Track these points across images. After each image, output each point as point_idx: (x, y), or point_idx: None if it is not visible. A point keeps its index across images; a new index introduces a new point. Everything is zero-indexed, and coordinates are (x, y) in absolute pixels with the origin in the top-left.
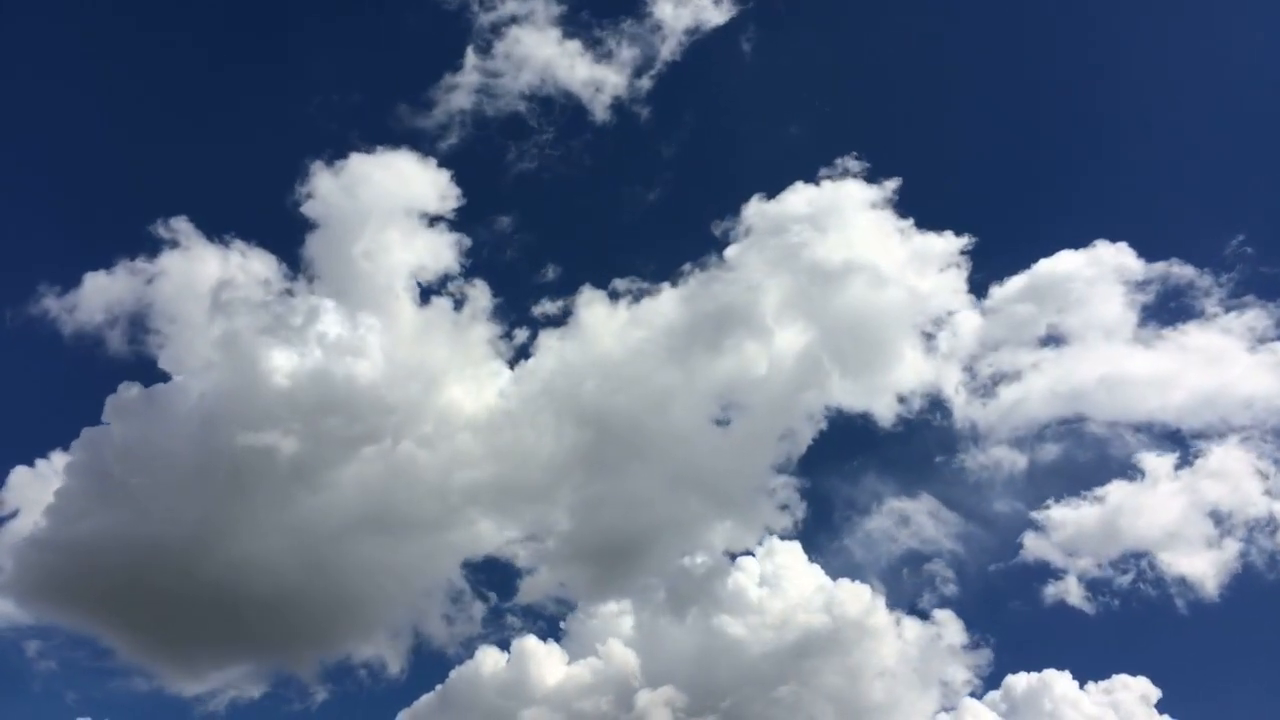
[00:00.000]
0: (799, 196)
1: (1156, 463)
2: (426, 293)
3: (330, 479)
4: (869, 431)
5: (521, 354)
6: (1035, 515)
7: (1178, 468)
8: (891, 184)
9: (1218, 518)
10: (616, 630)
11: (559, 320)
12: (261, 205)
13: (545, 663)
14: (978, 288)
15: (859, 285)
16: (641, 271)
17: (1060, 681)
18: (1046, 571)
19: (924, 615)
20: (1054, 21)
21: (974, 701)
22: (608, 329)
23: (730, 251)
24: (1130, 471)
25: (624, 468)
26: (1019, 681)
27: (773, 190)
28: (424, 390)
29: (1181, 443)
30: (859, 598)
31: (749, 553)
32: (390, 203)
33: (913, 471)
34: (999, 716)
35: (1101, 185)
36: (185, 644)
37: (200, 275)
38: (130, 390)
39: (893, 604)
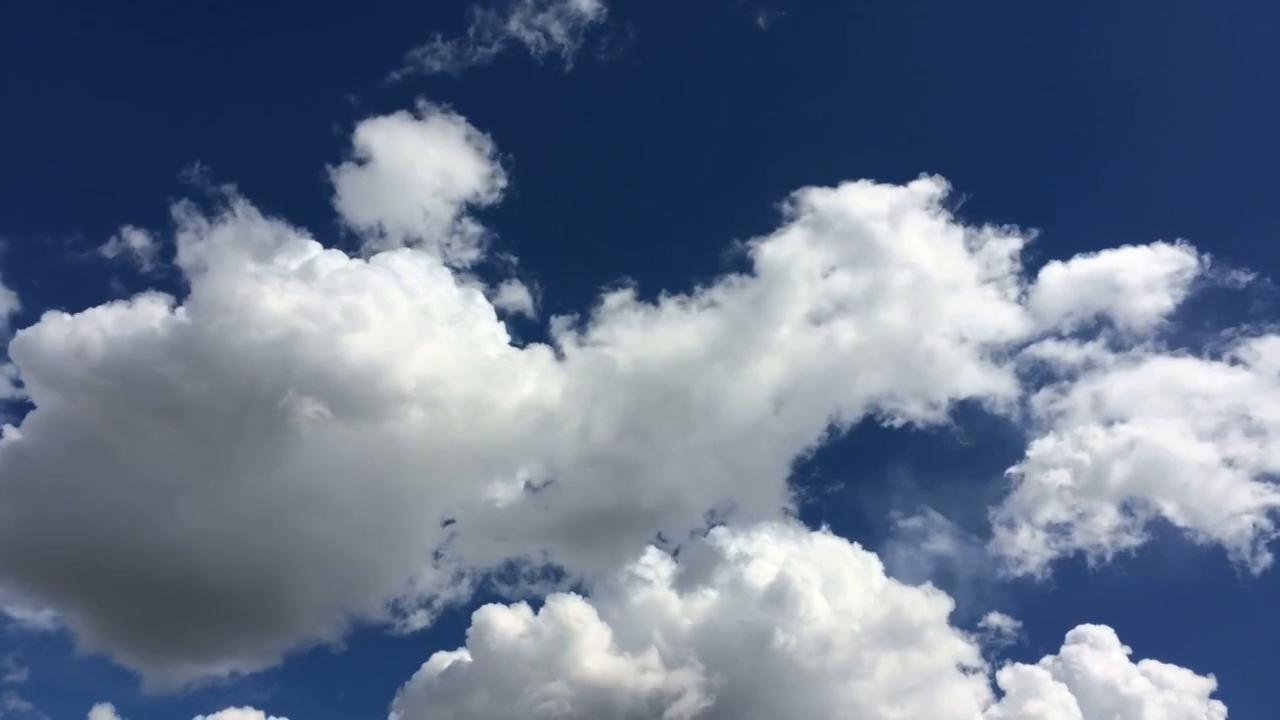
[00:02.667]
0: (853, 192)
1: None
2: (454, 269)
3: (330, 450)
4: (910, 432)
5: (547, 340)
6: (1077, 509)
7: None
8: (945, 182)
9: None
10: (646, 608)
11: (585, 308)
12: (285, 168)
13: (571, 631)
14: (1029, 290)
15: (908, 284)
16: (677, 261)
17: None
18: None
19: (971, 614)
20: (1117, 20)
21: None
22: (643, 321)
23: (774, 245)
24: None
25: (651, 451)
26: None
27: (825, 184)
28: (439, 362)
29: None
30: (907, 595)
31: (786, 544)
32: (420, 174)
33: (952, 472)
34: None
35: (1161, 186)
36: (186, 634)
37: (214, 237)
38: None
39: (933, 596)
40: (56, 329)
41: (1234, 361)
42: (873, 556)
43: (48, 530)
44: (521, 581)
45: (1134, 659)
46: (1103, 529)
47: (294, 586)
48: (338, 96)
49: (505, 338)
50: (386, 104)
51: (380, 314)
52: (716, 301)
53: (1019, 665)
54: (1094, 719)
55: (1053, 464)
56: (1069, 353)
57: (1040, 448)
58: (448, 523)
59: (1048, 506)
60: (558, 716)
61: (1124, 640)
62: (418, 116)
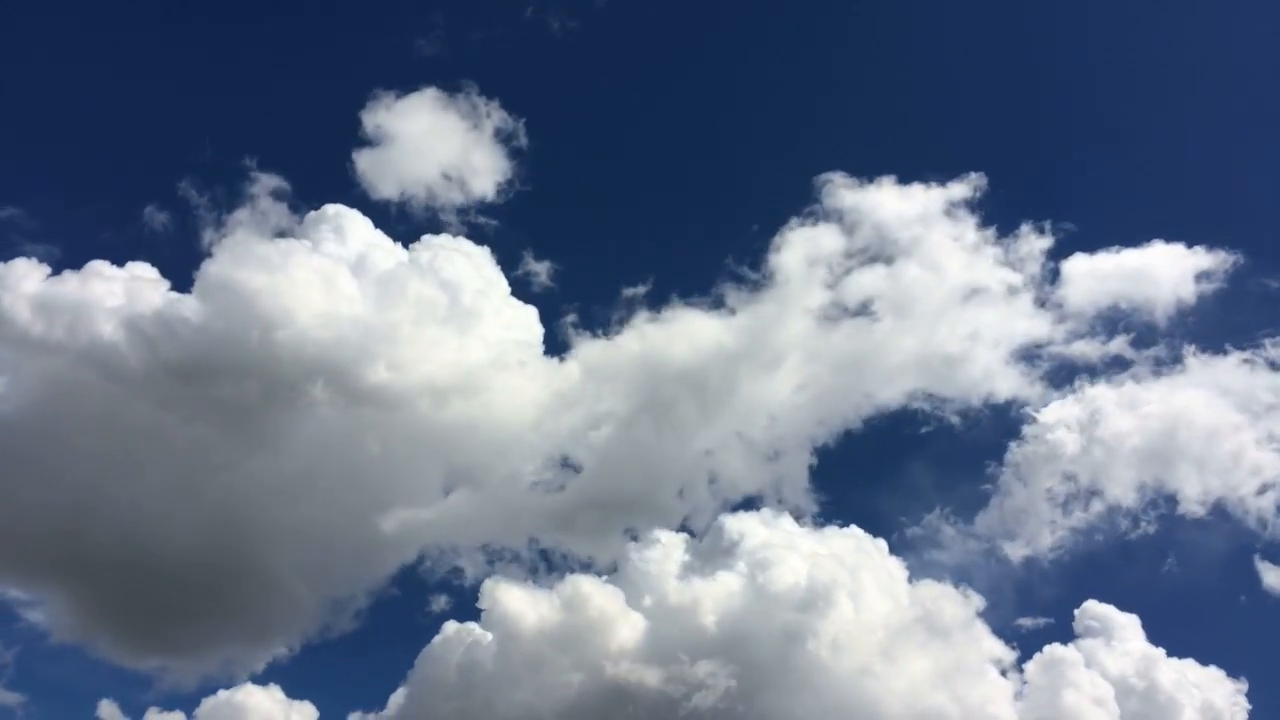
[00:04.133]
0: (880, 190)
1: None
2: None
3: (337, 434)
4: (932, 430)
5: (562, 332)
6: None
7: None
8: (975, 179)
9: None
10: (662, 595)
11: (603, 301)
12: (311, 149)
13: (586, 612)
14: (1058, 289)
15: (934, 282)
16: (698, 257)
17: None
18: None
19: (998, 608)
20: (1153, 20)
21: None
22: (661, 316)
23: (799, 241)
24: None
25: (669, 442)
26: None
27: (852, 182)
28: (457, 350)
29: None
30: (932, 591)
31: (807, 538)
32: (435, 159)
33: (970, 470)
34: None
35: (1194, 187)
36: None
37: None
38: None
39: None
40: (44, 297)
41: (1270, 363)
42: (896, 554)
43: (39, 516)
44: (536, 563)
45: (1154, 640)
46: (1123, 508)
47: (301, 569)
48: (359, 79)
49: (524, 328)
50: (407, 85)
51: (398, 299)
52: (738, 298)
53: (1045, 655)
54: (1122, 704)
55: (1065, 437)
56: (1096, 350)
57: (1052, 416)
58: (454, 497)
59: (1060, 488)
60: (570, 697)
61: (1145, 621)
62: (438, 96)
